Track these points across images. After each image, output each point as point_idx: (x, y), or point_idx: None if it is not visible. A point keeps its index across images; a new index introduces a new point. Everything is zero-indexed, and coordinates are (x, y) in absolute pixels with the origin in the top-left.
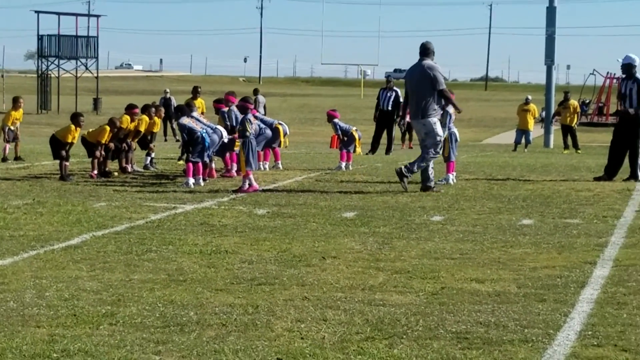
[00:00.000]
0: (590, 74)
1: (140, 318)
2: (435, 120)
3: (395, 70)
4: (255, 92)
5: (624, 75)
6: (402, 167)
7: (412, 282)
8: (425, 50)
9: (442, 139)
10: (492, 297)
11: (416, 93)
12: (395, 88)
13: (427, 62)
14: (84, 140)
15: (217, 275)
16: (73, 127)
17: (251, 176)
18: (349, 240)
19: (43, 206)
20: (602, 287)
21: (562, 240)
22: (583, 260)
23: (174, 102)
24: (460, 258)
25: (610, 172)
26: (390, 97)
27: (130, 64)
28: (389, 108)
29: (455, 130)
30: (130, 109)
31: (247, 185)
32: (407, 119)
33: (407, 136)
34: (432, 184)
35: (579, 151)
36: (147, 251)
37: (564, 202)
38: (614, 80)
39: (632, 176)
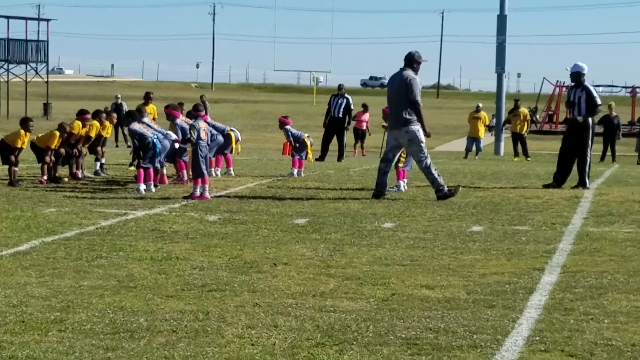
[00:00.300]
0: (551, 84)
1: (89, 324)
2: (417, 127)
3: (371, 78)
4: (201, 98)
5: (572, 84)
6: (437, 195)
7: (362, 289)
8: (408, 61)
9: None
10: (441, 303)
11: (396, 102)
12: (346, 95)
13: (408, 72)
14: (33, 145)
15: (167, 281)
16: (22, 132)
17: (206, 185)
18: (301, 247)
19: None
20: (550, 293)
21: (511, 247)
22: (531, 266)
23: (126, 107)
24: (410, 264)
25: (559, 180)
26: (341, 103)
27: (61, 68)
28: (340, 115)
29: None
30: (81, 115)
31: (198, 192)
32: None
33: (359, 143)
34: (386, 190)
35: (529, 159)
36: (97, 257)
37: (514, 209)
38: (564, 89)
39: (580, 184)
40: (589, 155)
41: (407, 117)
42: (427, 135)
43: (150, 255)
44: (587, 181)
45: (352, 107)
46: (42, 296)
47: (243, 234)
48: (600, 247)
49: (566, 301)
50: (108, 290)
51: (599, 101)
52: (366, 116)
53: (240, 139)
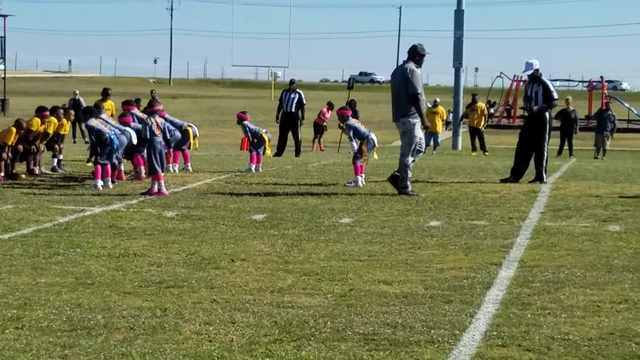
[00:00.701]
0: (498, 76)
1: (46, 322)
2: (415, 121)
3: (361, 74)
4: (151, 93)
5: (528, 79)
6: (399, 190)
7: (320, 284)
8: (411, 54)
9: (422, 141)
10: (399, 298)
11: (397, 94)
12: (298, 90)
13: (409, 65)
14: None
15: (125, 278)
16: (15, 130)
17: (161, 180)
18: (258, 243)
19: None
20: (507, 288)
21: (468, 241)
22: (489, 261)
23: (83, 103)
24: (368, 260)
25: (516, 174)
26: (293, 98)
27: None
28: (292, 109)
29: (373, 135)
30: (40, 112)
31: (155, 188)
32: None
33: (317, 138)
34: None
35: (487, 153)
36: (55, 254)
37: (471, 204)
38: (521, 83)
39: (538, 178)
40: (545, 149)
41: (407, 109)
42: (425, 128)
43: (108, 251)
44: (544, 175)
45: (304, 101)
46: None
47: (201, 230)
48: (557, 241)
49: (523, 296)
50: (65, 288)
51: (555, 95)
52: (330, 114)
53: (198, 134)
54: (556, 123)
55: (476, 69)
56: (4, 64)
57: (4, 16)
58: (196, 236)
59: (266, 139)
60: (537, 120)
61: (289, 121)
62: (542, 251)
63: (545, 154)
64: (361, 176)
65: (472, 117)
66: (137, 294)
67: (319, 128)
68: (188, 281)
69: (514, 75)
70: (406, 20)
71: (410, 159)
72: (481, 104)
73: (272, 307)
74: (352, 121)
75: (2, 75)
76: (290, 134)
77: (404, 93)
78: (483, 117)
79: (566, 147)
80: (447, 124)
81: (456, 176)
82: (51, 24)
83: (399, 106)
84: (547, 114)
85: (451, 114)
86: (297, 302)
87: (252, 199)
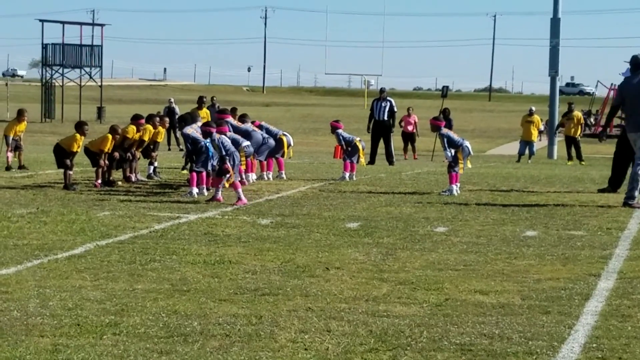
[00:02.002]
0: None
1: (143, 328)
2: None
3: (568, 85)
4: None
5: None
6: (624, 200)
7: (416, 294)
8: (636, 65)
9: None
10: (496, 308)
11: (634, 106)
12: (389, 98)
13: None
14: (87, 150)
15: (220, 285)
16: (78, 136)
17: (239, 189)
18: (353, 251)
19: (47, 215)
20: (607, 299)
21: (566, 252)
22: (587, 272)
23: (178, 111)
24: (464, 269)
25: (614, 184)
26: (385, 107)
27: (15, 70)
28: (385, 117)
29: (467, 143)
30: (136, 120)
31: (219, 195)
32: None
33: (409, 147)
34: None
35: (583, 163)
36: (151, 261)
37: (568, 213)
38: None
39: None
40: None
41: None
42: None
43: (203, 258)
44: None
45: (395, 109)
46: (97, 299)
47: (295, 237)
48: None
49: (623, 308)
50: (162, 294)
51: None
52: (412, 119)
53: (292, 143)
54: None
55: (572, 78)
56: (101, 72)
57: (101, 25)
58: (291, 244)
59: (360, 147)
60: None
61: (380, 129)
62: None
63: None
64: (456, 185)
65: (569, 126)
66: (232, 301)
67: (406, 136)
68: (283, 289)
69: (611, 84)
70: (500, 29)
71: None
72: (577, 113)
73: (368, 316)
74: (445, 130)
75: (99, 83)
76: (382, 143)
77: None
78: (579, 126)
79: None
80: (539, 132)
81: (552, 186)
82: (147, 33)
83: (638, 118)
84: None
85: (546, 124)
86: (392, 311)
87: (346, 207)
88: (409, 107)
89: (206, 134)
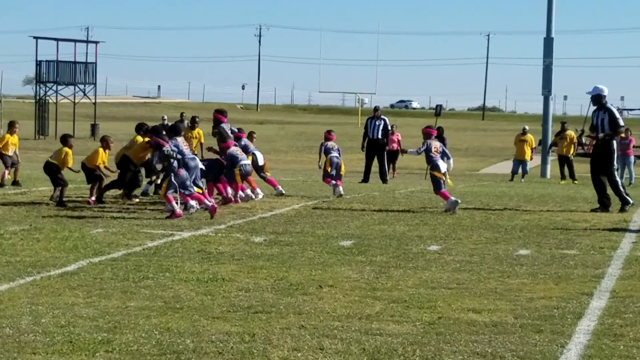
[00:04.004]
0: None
1: (136, 345)
2: None
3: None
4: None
5: (594, 107)
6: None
7: (409, 312)
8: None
9: None
10: (489, 327)
11: None
12: (383, 117)
13: None
14: (83, 166)
15: (213, 303)
16: (67, 149)
17: (173, 202)
18: (346, 269)
19: (40, 232)
20: (599, 318)
21: (559, 271)
22: (580, 291)
23: None
24: (457, 288)
25: (604, 204)
26: (378, 125)
27: None
28: (378, 136)
29: (440, 162)
30: (143, 132)
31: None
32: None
33: (391, 165)
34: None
35: (576, 182)
36: (144, 278)
37: (561, 232)
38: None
39: (624, 204)
40: (616, 175)
41: None
42: None
43: (197, 276)
44: (628, 198)
45: (389, 128)
46: (90, 317)
47: (289, 255)
48: None
49: (616, 327)
50: (154, 312)
51: (621, 123)
52: (396, 137)
53: (260, 162)
54: None
55: (565, 97)
56: (95, 89)
57: (96, 42)
58: (284, 262)
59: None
60: (604, 149)
61: (374, 148)
62: (634, 282)
63: (618, 179)
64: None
65: (562, 145)
66: (225, 318)
67: (390, 154)
68: (276, 307)
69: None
70: (494, 48)
71: None
72: (570, 132)
73: (361, 334)
74: (431, 142)
75: (93, 101)
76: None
77: None
78: (572, 145)
79: None
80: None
81: (545, 204)
82: (141, 50)
83: None
84: (613, 142)
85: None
86: (385, 330)
87: (339, 225)
88: (393, 124)
89: (157, 146)
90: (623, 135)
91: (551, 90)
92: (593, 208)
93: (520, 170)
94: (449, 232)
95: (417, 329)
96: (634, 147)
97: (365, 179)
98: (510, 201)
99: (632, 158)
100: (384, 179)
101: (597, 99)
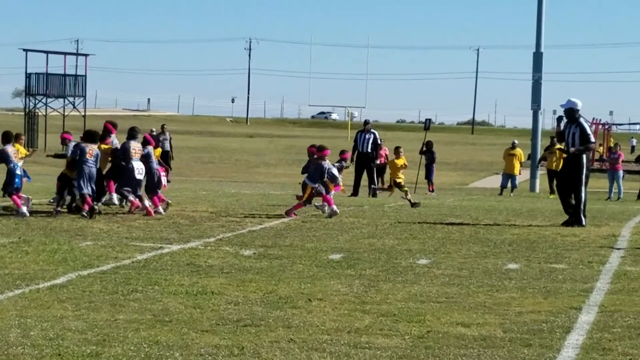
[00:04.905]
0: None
1: (125, 358)
2: None
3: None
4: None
5: (566, 119)
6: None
7: (398, 326)
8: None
9: None
10: (477, 341)
11: None
12: (373, 130)
13: None
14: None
15: (202, 316)
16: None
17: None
18: (335, 283)
19: (29, 245)
20: (588, 332)
21: (547, 285)
22: (569, 305)
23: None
24: (446, 302)
25: (576, 218)
26: (368, 139)
27: None
28: (368, 150)
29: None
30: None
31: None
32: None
33: (379, 179)
34: None
35: None
36: (133, 291)
37: (550, 247)
38: (600, 126)
39: (576, 221)
40: (583, 192)
41: None
42: None
43: (186, 289)
44: (583, 219)
45: (379, 141)
46: (79, 329)
47: (278, 269)
48: (638, 286)
49: (604, 341)
50: (143, 324)
51: (592, 139)
52: (383, 151)
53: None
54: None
55: (554, 112)
56: (84, 102)
57: (85, 55)
58: (273, 275)
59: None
60: (575, 163)
61: (364, 161)
62: (622, 296)
63: (584, 197)
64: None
65: (551, 159)
66: (214, 332)
67: (378, 168)
68: (265, 320)
69: (593, 118)
70: (484, 62)
71: None
72: (560, 147)
73: (350, 348)
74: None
75: (83, 113)
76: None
77: None
78: (561, 160)
79: None
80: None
81: (534, 219)
82: (131, 63)
83: None
84: (584, 157)
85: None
86: (374, 343)
87: (329, 238)
88: (381, 138)
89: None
90: (613, 149)
91: (540, 104)
92: (564, 222)
93: (509, 185)
94: (438, 245)
95: (406, 342)
96: (622, 162)
97: (355, 193)
98: (500, 215)
99: (620, 173)
100: (373, 192)
101: (570, 112)
